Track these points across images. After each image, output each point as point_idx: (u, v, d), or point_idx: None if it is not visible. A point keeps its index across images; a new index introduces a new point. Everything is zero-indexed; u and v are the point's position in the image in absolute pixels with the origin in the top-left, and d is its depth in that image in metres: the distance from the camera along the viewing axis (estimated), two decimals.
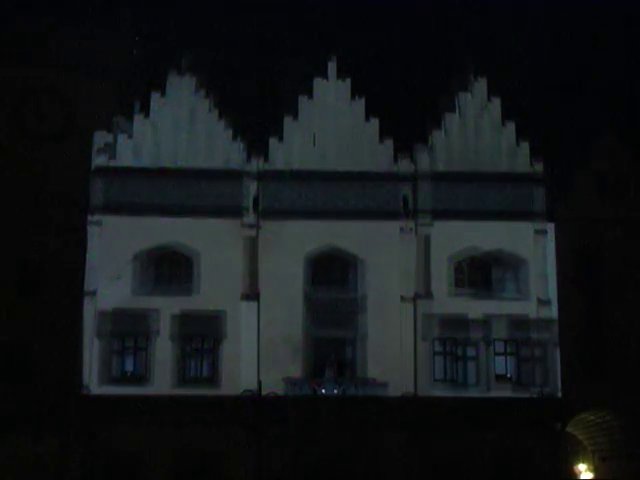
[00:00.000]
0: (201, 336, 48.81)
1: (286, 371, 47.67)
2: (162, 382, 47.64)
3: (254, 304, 48.55)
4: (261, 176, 49.90)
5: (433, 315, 48.81)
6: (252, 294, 48.71)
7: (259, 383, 45.08)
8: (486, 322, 49.04)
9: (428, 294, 48.97)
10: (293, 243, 49.14)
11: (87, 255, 48.50)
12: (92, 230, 48.87)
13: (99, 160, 49.59)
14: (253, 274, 48.89)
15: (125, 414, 45.94)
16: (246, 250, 49.12)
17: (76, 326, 47.66)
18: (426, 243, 49.51)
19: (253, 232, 49.27)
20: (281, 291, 48.77)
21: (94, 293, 48.23)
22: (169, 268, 49.51)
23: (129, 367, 48.51)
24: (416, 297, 48.85)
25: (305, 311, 48.95)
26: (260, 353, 47.94)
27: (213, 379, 48.11)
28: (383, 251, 49.38)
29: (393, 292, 49.04)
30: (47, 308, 47.74)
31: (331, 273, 49.91)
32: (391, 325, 48.56)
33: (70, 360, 47.16)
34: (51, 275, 48.46)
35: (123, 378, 48.12)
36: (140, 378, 47.95)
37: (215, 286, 48.56)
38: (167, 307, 48.45)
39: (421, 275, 49.17)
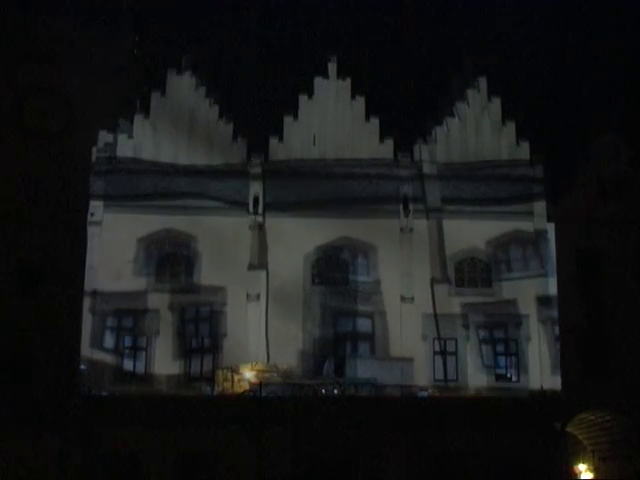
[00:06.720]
0: (201, 335, 48.93)
1: (287, 368, 47.83)
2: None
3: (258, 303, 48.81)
4: (261, 176, 49.96)
5: (434, 314, 48.89)
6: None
7: (259, 383, 45.09)
8: (486, 321, 49.19)
9: (436, 291, 49.15)
10: (295, 241, 49.21)
11: (87, 255, 48.50)
12: (92, 230, 48.88)
13: (99, 160, 49.57)
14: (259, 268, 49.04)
15: (125, 414, 45.93)
16: (252, 247, 49.19)
17: (76, 326, 47.69)
18: (434, 241, 49.70)
19: (256, 230, 49.32)
20: (283, 288, 48.86)
21: (94, 293, 48.28)
22: (170, 267, 49.52)
23: None
24: (433, 284, 49.07)
25: (307, 308, 49.03)
26: (261, 350, 48.11)
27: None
28: (383, 250, 49.44)
29: (394, 291, 49.14)
30: (47, 308, 47.75)
31: (333, 271, 49.93)
32: (392, 324, 48.72)
33: (70, 360, 47.16)
34: (51, 275, 48.47)
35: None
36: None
37: (217, 285, 48.68)
38: (168, 305, 48.64)
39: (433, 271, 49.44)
